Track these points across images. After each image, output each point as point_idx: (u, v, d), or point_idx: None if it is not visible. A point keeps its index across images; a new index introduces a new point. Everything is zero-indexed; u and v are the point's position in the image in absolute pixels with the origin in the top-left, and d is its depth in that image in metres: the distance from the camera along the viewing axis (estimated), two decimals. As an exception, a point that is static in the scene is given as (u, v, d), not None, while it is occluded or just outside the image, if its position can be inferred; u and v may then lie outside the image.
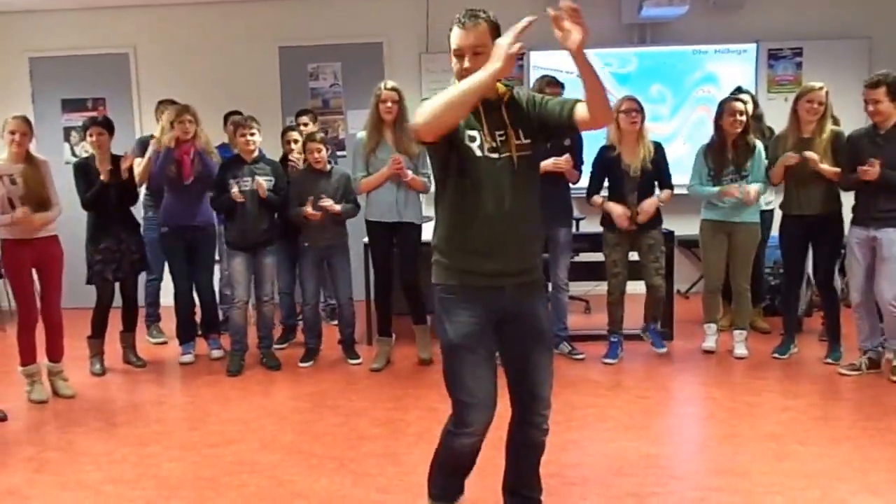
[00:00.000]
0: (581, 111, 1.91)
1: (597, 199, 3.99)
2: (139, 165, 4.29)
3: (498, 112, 1.97)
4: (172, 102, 4.60)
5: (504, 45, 1.76)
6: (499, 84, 1.98)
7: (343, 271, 4.15)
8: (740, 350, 4.09)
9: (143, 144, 4.53)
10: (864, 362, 3.72)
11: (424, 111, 1.83)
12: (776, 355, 4.04)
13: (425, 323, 4.13)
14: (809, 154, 3.70)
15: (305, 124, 4.69)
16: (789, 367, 3.93)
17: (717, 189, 3.95)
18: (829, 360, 3.90)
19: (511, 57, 1.75)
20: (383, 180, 3.87)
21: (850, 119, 4.19)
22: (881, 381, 3.60)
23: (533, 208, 2.02)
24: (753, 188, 3.89)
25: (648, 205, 3.90)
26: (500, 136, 1.96)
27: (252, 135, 4.00)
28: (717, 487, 2.57)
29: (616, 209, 3.90)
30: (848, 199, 3.80)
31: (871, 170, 3.44)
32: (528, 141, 1.98)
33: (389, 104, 3.81)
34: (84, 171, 3.96)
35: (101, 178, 3.88)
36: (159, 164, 4.12)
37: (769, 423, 3.15)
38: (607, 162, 3.94)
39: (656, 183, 3.99)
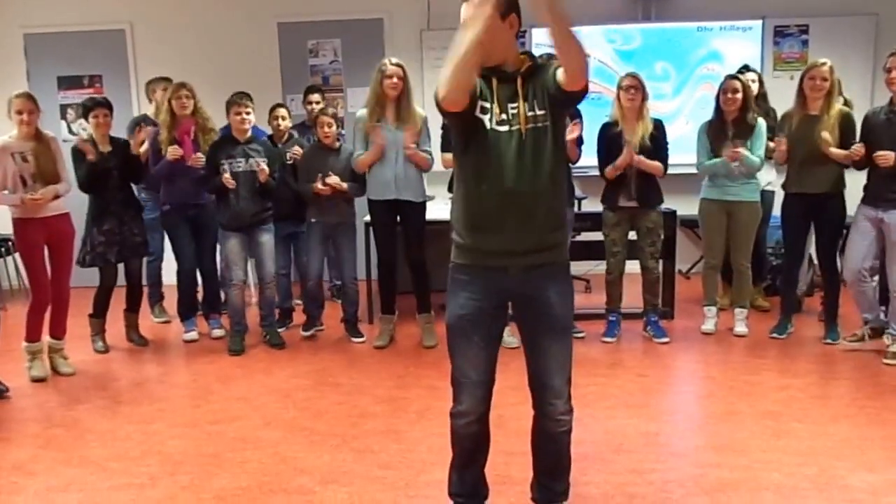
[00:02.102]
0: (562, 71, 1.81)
1: (610, 169, 3.89)
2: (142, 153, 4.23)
3: (513, 84, 1.90)
4: (164, 79, 4.54)
5: None
6: (521, 55, 1.93)
7: (349, 250, 4.14)
8: (740, 328, 4.11)
9: (135, 124, 4.48)
10: (867, 332, 3.74)
11: (440, 82, 1.80)
12: (774, 335, 4.05)
13: (429, 312, 4.11)
14: (825, 135, 3.64)
15: (318, 102, 4.62)
16: (788, 346, 3.94)
17: (720, 159, 3.90)
18: (828, 341, 3.92)
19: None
20: (378, 151, 3.81)
21: (856, 96, 4.14)
22: (879, 361, 3.61)
23: (546, 185, 1.90)
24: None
25: (636, 159, 3.81)
26: (513, 108, 1.90)
27: (248, 113, 3.95)
28: (716, 464, 2.59)
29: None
30: (853, 180, 3.78)
31: (889, 155, 3.40)
32: (541, 113, 1.90)
33: (395, 80, 3.76)
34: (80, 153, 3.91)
35: (89, 157, 3.81)
36: (160, 168, 4.06)
37: (768, 402, 3.17)
38: (610, 137, 3.92)
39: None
